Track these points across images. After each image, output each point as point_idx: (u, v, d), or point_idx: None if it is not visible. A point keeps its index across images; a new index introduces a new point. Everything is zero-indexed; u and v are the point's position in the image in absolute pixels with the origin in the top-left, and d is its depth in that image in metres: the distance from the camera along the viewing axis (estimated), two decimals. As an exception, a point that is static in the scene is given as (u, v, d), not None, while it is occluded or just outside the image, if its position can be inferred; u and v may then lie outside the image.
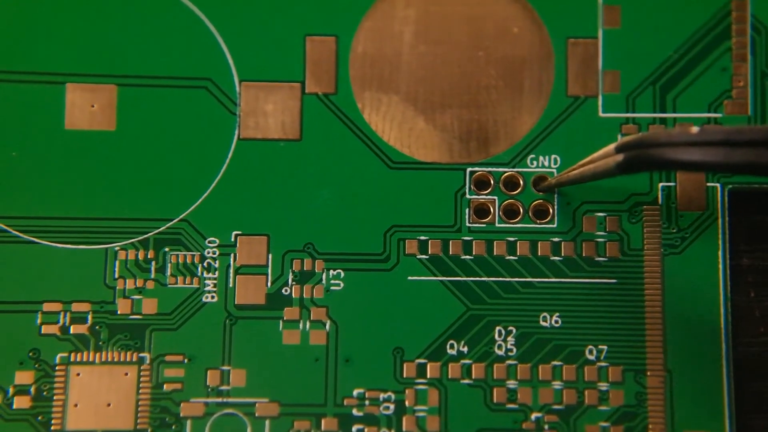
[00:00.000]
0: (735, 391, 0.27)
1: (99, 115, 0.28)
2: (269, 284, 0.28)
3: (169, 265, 0.28)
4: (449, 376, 0.27)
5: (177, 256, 0.28)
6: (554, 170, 0.28)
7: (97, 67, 0.28)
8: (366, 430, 0.27)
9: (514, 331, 0.28)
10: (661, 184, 0.28)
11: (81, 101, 0.28)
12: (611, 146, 0.24)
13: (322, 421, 0.27)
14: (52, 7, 0.29)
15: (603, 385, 0.27)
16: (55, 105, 0.28)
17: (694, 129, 0.22)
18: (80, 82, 0.28)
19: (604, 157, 0.25)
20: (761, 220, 0.29)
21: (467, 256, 0.28)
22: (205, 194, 0.28)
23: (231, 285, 0.28)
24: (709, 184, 0.28)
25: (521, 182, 0.28)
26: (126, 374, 0.27)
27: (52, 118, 0.28)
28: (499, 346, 0.28)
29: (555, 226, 0.28)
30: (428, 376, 0.27)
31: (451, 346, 0.28)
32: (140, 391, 0.27)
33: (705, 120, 0.29)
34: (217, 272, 0.28)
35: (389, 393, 0.27)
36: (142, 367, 0.27)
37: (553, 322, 0.28)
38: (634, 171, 0.23)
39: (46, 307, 0.27)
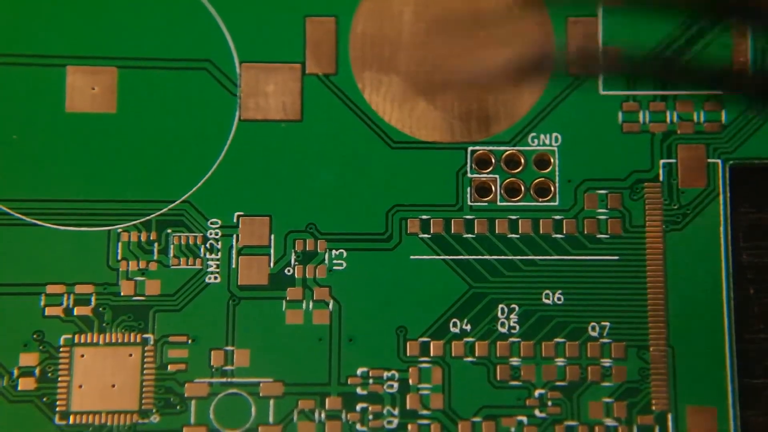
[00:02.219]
0: (738, 364, 0.27)
1: (100, 97, 0.28)
2: (272, 265, 0.28)
3: (171, 246, 0.28)
4: (452, 354, 0.28)
5: (179, 237, 0.28)
6: (555, 148, 0.28)
7: (97, 49, 0.28)
8: (370, 408, 0.27)
9: (517, 308, 0.28)
10: (662, 161, 0.28)
11: (81, 84, 0.28)
12: None
13: (327, 400, 0.27)
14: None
15: (606, 362, 0.27)
16: (56, 88, 0.28)
17: None
18: (80, 64, 0.28)
19: None
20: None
21: (469, 235, 0.28)
22: (207, 175, 0.28)
23: (234, 266, 0.28)
24: (709, 160, 0.28)
25: (522, 161, 0.28)
26: (130, 355, 0.27)
27: (53, 100, 0.28)
28: (502, 324, 0.28)
29: (557, 203, 0.28)
30: (432, 354, 0.28)
31: (454, 325, 0.28)
32: (144, 372, 0.27)
33: (706, 97, 0.28)
34: (219, 253, 0.28)
35: (393, 372, 0.27)
36: (146, 348, 0.27)
37: (555, 299, 0.28)
38: None
39: (50, 289, 0.27)
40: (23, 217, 0.27)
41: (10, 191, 0.28)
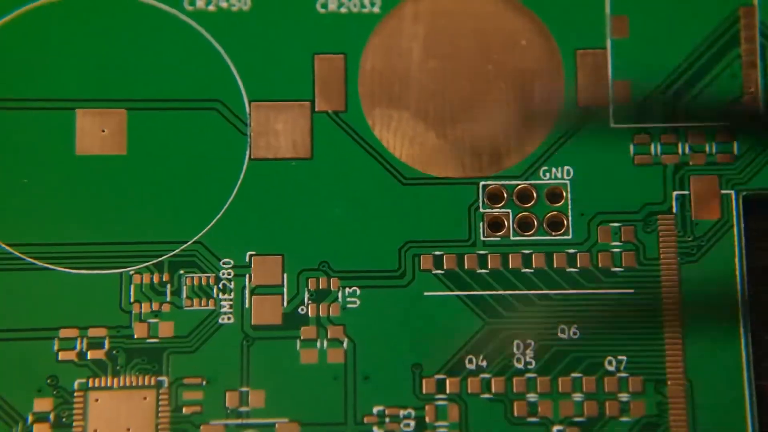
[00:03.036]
0: (757, 399, 0.27)
1: (109, 139, 0.28)
2: (285, 304, 0.28)
3: (184, 287, 0.28)
4: (469, 391, 0.27)
5: (192, 278, 0.28)
6: (567, 182, 0.28)
7: (106, 91, 0.28)
8: (387, 447, 0.27)
9: (533, 344, 0.27)
10: (675, 193, 0.28)
11: (91, 126, 0.28)
12: None
13: (343, 440, 0.27)
14: (60, 33, 0.28)
15: (624, 396, 0.27)
16: (66, 131, 0.28)
17: None
18: (90, 107, 0.28)
19: None
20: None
21: (483, 270, 0.28)
22: (219, 215, 0.28)
23: (247, 305, 0.27)
24: (723, 191, 0.28)
25: (534, 194, 0.28)
26: (145, 398, 0.27)
27: (63, 144, 0.28)
28: (518, 360, 0.27)
29: (570, 237, 0.28)
30: (448, 391, 0.27)
31: (470, 361, 0.27)
32: (159, 414, 0.27)
33: (717, 128, 0.28)
34: (232, 293, 0.27)
35: (409, 410, 0.27)
36: (160, 391, 0.27)
37: (571, 333, 0.27)
38: None
39: (63, 333, 0.27)
40: (35, 262, 0.28)
41: (22, 235, 0.28)
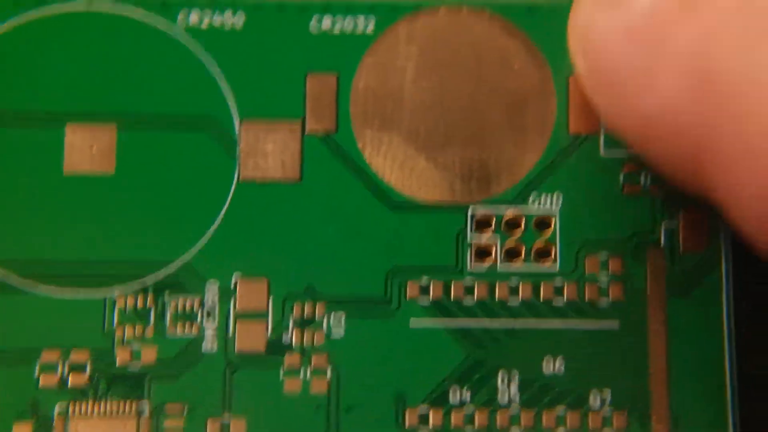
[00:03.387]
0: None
1: (98, 157, 0.28)
2: (269, 331, 0.27)
3: (168, 311, 0.27)
4: (452, 424, 0.27)
5: (176, 301, 0.27)
6: (556, 210, 0.28)
7: (96, 106, 0.28)
8: (369, 479, 0.27)
9: (518, 376, 0.27)
10: (664, 225, 0.28)
11: (81, 143, 0.28)
12: None
13: (324, 470, 0.27)
14: (51, 47, 0.28)
15: (608, 431, 0.27)
16: (55, 147, 0.28)
17: None
18: (80, 121, 0.28)
19: None
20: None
21: (469, 300, 0.28)
22: (205, 237, 0.28)
23: (231, 332, 0.27)
24: (711, 223, 0.28)
25: (523, 223, 0.28)
26: (125, 425, 0.27)
27: (51, 161, 0.28)
28: (503, 392, 0.27)
29: (557, 268, 0.28)
30: (431, 423, 0.27)
31: (454, 392, 0.27)
32: (140, 440, 0.27)
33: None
34: (216, 319, 0.27)
35: (391, 441, 0.27)
36: (141, 418, 0.27)
37: (556, 366, 0.27)
38: None
39: (44, 356, 0.27)
40: (19, 278, 0.27)
41: (4, 253, 0.28)
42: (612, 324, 0.28)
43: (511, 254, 0.28)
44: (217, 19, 0.29)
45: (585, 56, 0.25)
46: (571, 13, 0.26)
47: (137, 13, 0.29)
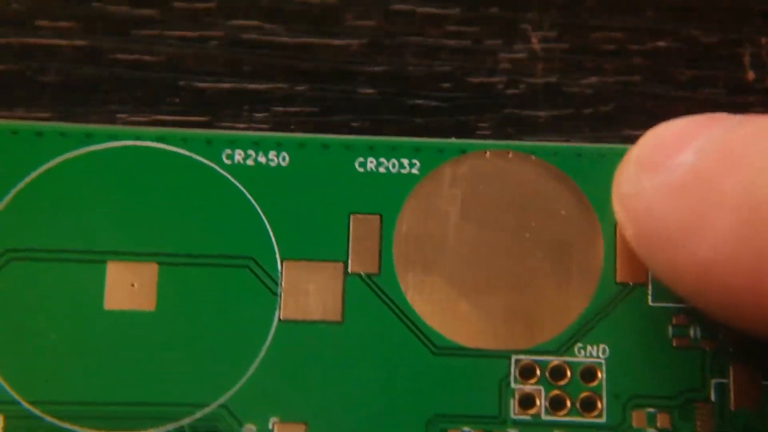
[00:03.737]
0: None
1: (139, 294, 0.28)
2: (306, 479, 0.27)
3: (203, 454, 0.27)
4: None
5: (212, 445, 0.27)
6: (603, 360, 0.27)
7: (138, 245, 0.28)
8: None
9: None
10: (714, 381, 0.27)
11: (122, 280, 0.28)
12: None
13: None
14: (94, 183, 0.28)
15: None
16: (96, 284, 0.27)
17: None
18: (121, 260, 0.27)
19: None
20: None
21: (512, 451, 0.27)
22: (244, 378, 0.27)
23: (268, 479, 0.27)
24: (764, 381, 0.27)
25: (568, 372, 0.27)
26: None
27: (93, 297, 0.27)
28: None
29: (604, 420, 0.27)
30: None
31: None
32: None
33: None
34: (253, 464, 0.27)
35: None
36: None
37: None
38: None
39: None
40: (55, 422, 0.27)
41: (44, 394, 0.28)
42: (661, 482, 0.27)
43: (555, 404, 0.28)
44: (263, 157, 0.29)
45: (635, 223, 0.25)
46: (614, 183, 0.26)
47: (183, 149, 0.29)
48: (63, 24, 0.32)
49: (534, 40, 0.32)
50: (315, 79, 0.32)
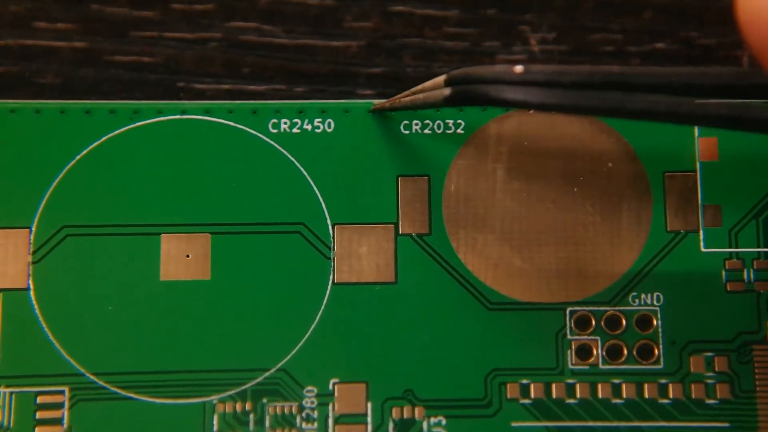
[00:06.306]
0: None
1: (194, 264, 0.28)
2: (370, 434, 0.27)
3: (267, 416, 0.27)
4: None
5: (275, 407, 0.27)
6: (657, 308, 0.27)
7: (190, 216, 0.28)
8: None
9: (625, 478, 0.27)
10: (770, 322, 0.27)
11: (176, 251, 0.28)
12: (441, 78, 0.26)
13: None
14: (145, 157, 0.28)
15: None
16: (151, 256, 0.28)
17: (519, 68, 0.24)
18: (174, 232, 0.28)
19: (434, 88, 0.26)
20: None
21: (571, 400, 0.27)
22: (301, 342, 0.27)
23: (330, 437, 0.27)
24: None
25: (623, 321, 0.27)
26: None
27: (148, 269, 0.28)
28: (609, 495, 0.26)
29: (662, 366, 0.27)
30: None
31: (560, 496, 0.26)
32: None
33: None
34: (315, 423, 0.27)
35: None
36: None
37: (664, 468, 0.26)
38: (459, 105, 0.26)
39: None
40: (119, 391, 0.27)
41: (106, 365, 0.29)
42: (721, 425, 0.27)
43: (612, 353, 0.28)
44: (308, 125, 0.29)
45: None
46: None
47: (229, 120, 0.29)
48: (62, 26, 0.32)
49: (533, 41, 0.32)
50: (314, 81, 0.32)
